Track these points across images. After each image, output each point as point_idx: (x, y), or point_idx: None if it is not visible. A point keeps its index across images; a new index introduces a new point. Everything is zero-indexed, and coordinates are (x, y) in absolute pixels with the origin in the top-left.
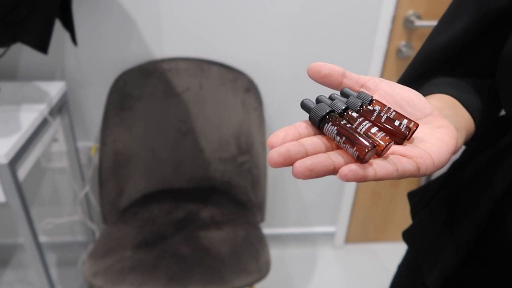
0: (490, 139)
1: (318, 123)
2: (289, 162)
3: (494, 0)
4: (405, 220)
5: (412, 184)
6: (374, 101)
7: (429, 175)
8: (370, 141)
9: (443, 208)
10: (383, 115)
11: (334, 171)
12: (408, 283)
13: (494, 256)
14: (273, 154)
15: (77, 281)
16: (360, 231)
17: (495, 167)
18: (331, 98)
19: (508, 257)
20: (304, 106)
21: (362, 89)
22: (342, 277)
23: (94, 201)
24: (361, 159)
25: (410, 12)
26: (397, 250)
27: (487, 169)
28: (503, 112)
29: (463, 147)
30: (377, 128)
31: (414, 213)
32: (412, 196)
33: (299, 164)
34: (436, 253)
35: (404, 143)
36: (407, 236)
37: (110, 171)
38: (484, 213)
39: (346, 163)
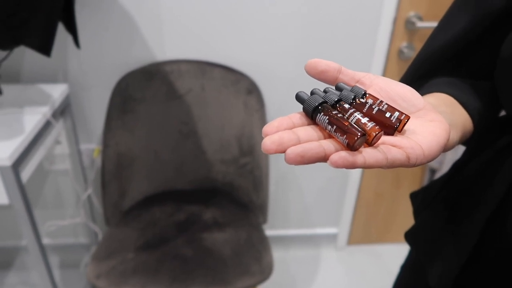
0: (491, 139)
1: (311, 113)
2: (281, 149)
3: (493, 1)
4: (408, 221)
5: (414, 185)
6: (367, 95)
7: (435, 171)
8: (360, 129)
9: (444, 208)
10: (375, 107)
11: (324, 158)
12: (411, 284)
13: (495, 257)
14: (267, 141)
15: (80, 283)
16: (363, 233)
17: (495, 167)
18: (325, 91)
19: (509, 257)
20: (298, 98)
21: (356, 84)
22: (345, 278)
23: (97, 203)
24: (351, 147)
25: (411, 13)
26: (400, 252)
27: (487, 169)
28: (503, 113)
29: (463, 147)
30: (368, 119)
31: (416, 213)
32: (415, 196)
33: (291, 151)
34: (438, 253)
35: (395, 135)
36: (409, 236)
37: (112, 173)
38: (485, 214)
39: (337, 151)
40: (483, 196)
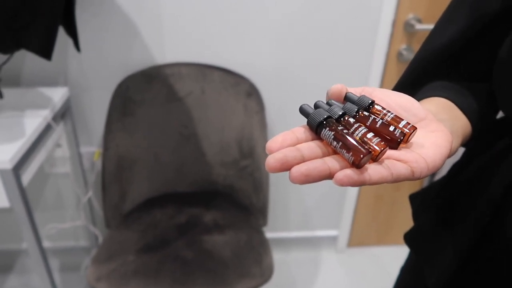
0: (489, 141)
1: (315, 128)
2: (286, 167)
3: (488, 4)
4: (408, 223)
5: (414, 187)
6: (374, 105)
7: (434, 174)
8: (366, 147)
9: (443, 210)
10: (378, 120)
11: (329, 176)
12: (411, 286)
13: (494, 257)
14: (270, 160)
15: (80, 286)
16: (363, 235)
17: (493, 169)
18: (328, 104)
19: (508, 258)
20: (302, 111)
21: (363, 94)
22: (345, 280)
23: (97, 206)
24: (356, 165)
25: (410, 15)
26: (399, 254)
27: (485, 171)
28: (501, 114)
29: (462, 149)
30: (373, 134)
31: (415, 215)
32: (414, 198)
33: (295, 170)
34: (436, 255)
35: (400, 147)
36: (408, 238)
37: (113, 176)
38: (483, 215)
39: (342, 168)
40: (481, 197)
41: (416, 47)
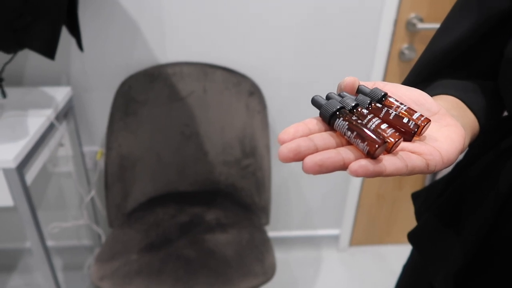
0: (494, 140)
1: (329, 118)
2: (299, 157)
3: (497, 3)
4: (410, 221)
5: (416, 185)
6: (387, 97)
7: (437, 172)
8: (381, 136)
9: (447, 209)
10: (392, 112)
11: (344, 167)
12: (413, 284)
13: (500, 256)
14: (284, 149)
15: (84, 284)
16: (365, 234)
17: (498, 168)
18: (340, 95)
19: None
20: (315, 102)
21: (376, 87)
22: (347, 279)
23: (100, 205)
24: (371, 155)
25: (412, 15)
26: (402, 252)
27: (491, 170)
28: (505, 113)
29: (467, 148)
30: (387, 125)
31: (418, 214)
32: (416, 197)
33: (309, 160)
34: (442, 254)
35: (413, 140)
36: (412, 237)
37: (115, 175)
38: (490, 213)
39: (356, 159)
40: (487, 195)
41: (418, 46)
